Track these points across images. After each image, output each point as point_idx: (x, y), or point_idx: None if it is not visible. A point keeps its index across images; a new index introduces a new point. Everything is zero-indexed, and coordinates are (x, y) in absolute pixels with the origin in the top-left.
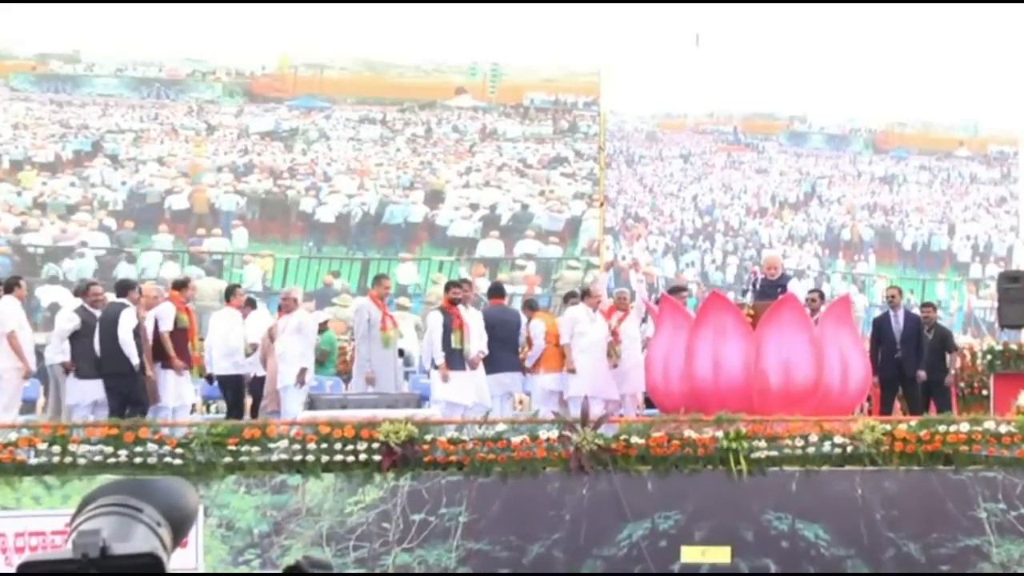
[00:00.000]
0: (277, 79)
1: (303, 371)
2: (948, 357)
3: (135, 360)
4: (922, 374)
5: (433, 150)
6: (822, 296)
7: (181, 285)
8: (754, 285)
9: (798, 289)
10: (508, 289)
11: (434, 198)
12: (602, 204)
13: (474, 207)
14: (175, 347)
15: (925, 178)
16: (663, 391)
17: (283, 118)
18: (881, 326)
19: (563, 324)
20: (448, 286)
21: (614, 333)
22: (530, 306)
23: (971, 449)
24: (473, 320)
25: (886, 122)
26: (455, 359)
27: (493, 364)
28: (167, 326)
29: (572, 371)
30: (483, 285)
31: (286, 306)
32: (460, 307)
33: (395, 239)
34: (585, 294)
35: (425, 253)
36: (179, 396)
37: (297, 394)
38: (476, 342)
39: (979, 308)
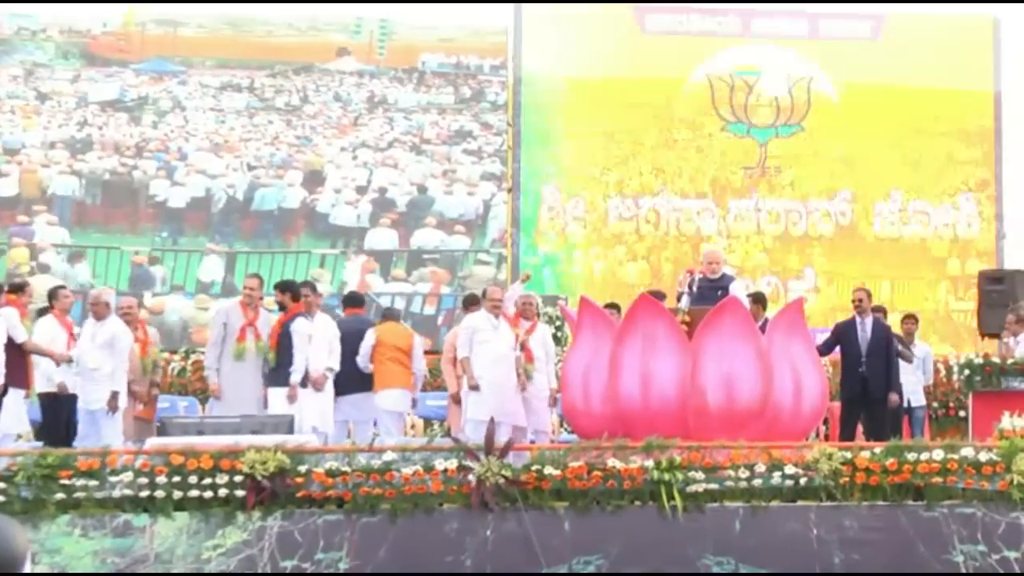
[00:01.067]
0: (121, 38)
1: (115, 395)
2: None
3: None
4: (894, 397)
5: (311, 123)
6: (764, 302)
7: (18, 288)
8: (690, 287)
9: (742, 292)
10: (407, 288)
11: (313, 180)
12: (510, 190)
13: (361, 190)
14: (12, 363)
15: (895, 157)
16: (582, 413)
17: (129, 85)
18: (844, 335)
19: (461, 334)
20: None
21: (524, 348)
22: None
23: (946, 481)
24: (322, 331)
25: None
26: (275, 376)
27: (344, 384)
28: (21, 335)
29: (475, 387)
30: (375, 283)
31: (96, 312)
32: (263, 310)
33: (267, 229)
34: (483, 297)
35: (303, 245)
36: (21, 422)
37: (111, 422)
38: (321, 358)
39: (958, 312)
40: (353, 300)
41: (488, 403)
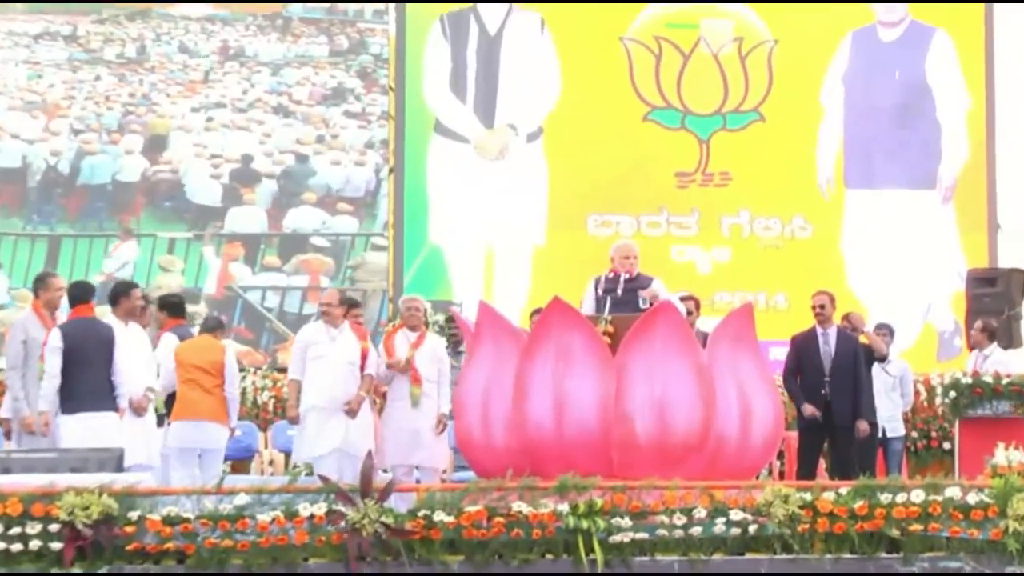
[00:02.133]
0: None
1: None
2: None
3: None
4: (864, 425)
5: (151, 78)
6: (697, 304)
7: None
8: (596, 288)
9: (669, 294)
10: (281, 280)
11: (156, 146)
12: (392, 171)
13: (217, 159)
14: None
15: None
16: (481, 445)
17: None
18: (803, 350)
19: (293, 351)
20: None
21: (409, 366)
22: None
23: (927, 529)
24: (139, 341)
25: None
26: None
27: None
28: None
29: (293, 420)
30: (241, 273)
31: None
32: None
33: (98, 207)
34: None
35: (146, 227)
36: None
37: None
38: (142, 375)
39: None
40: (80, 294)
41: (325, 435)
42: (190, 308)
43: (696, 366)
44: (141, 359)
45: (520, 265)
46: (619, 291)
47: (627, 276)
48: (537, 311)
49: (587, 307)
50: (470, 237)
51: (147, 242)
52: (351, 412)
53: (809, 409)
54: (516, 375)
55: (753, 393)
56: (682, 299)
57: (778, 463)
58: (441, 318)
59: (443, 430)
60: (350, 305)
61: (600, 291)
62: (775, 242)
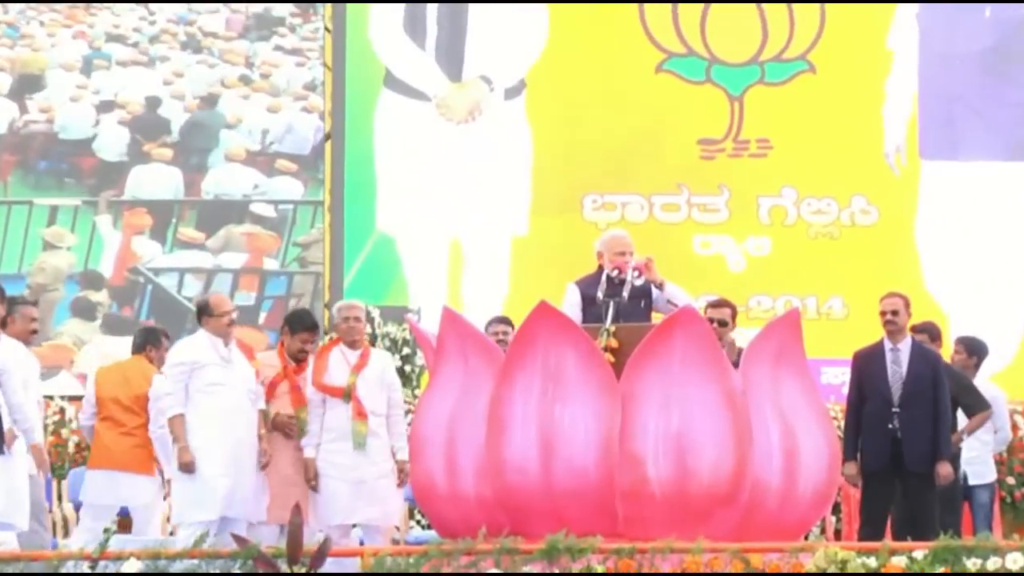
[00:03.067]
0: None
1: None
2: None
3: None
4: (946, 470)
5: (16, 4)
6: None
7: None
8: (596, 291)
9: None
10: (205, 261)
11: (28, 87)
12: (328, 137)
13: (108, 106)
14: None
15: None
16: (446, 495)
17: None
18: (866, 371)
19: (172, 375)
20: None
21: (350, 395)
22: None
23: None
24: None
25: None
26: None
27: None
28: None
29: (187, 467)
30: (148, 251)
31: None
32: None
33: None
34: (206, 308)
35: (17, 191)
36: None
37: None
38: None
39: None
40: None
41: (213, 490)
42: (92, 297)
43: (726, 393)
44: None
45: (495, 260)
46: (625, 295)
47: (636, 276)
48: (500, 321)
49: (572, 316)
50: (430, 223)
51: (20, 212)
52: (263, 459)
53: (849, 468)
54: (491, 404)
55: (801, 428)
56: (713, 306)
57: (833, 519)
58: (393, 329)
59: (405, 481)
60: (307, 329)
61: (600, 294)
62: (829, 230)
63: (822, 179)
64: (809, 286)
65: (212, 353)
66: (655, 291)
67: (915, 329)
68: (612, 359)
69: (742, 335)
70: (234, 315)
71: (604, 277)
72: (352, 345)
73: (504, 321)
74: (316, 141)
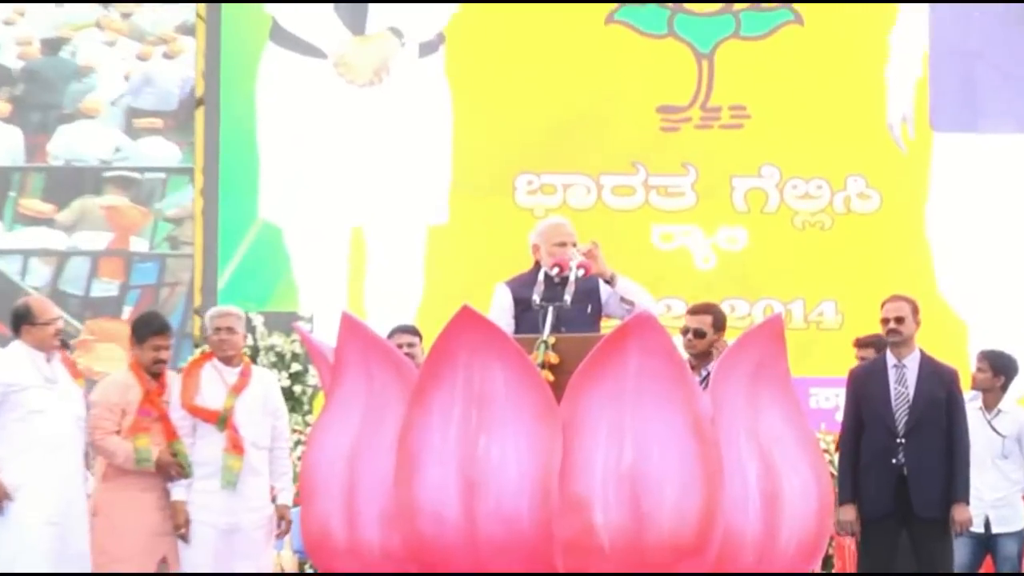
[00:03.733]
0: None
1: None
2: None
3: None
4: (963, 515)
5: None
6: (718, 321)
7: None
8: (532, 293)
9: (640, 296)
10: (57, 240)
11: None
12: (200, 102)
13: None
14: None
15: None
16: (344, 546)
17: None
18: (864, 390)
19: None
20: None
21: (228, 425)
22: None
23: None
24: None
25: None
26: None
27: None
28: None
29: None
30: None
31: None
32: None
33: None
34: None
35: None
36: None
37: None
38: None
39: None
40: None
41: (36, 541)
42: None
43: (692, 420)
44: None
45: (407, 256)
46: (567, 297)
47: (581, 273)
48: (405, 331)
49: (502, 323)
50: (326, 210)
51: None
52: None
53: (846, 514)
54: (401, 433)
55: (784, 463)
56: (691, 312)
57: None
58: (279, 341)
59: (286, 531)
60: (157, 332)
61: (537, 297)
62: (819, 219)
63: (811, 156)
64: (795, 288)
65: (32, 372)
66: (604, 289)
67: (861, 343)
68: (551, 378)
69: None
70: (60, 324)
71: (541, 276)
72: (228, 361)
73: (410, 331)
74: (185, 94)
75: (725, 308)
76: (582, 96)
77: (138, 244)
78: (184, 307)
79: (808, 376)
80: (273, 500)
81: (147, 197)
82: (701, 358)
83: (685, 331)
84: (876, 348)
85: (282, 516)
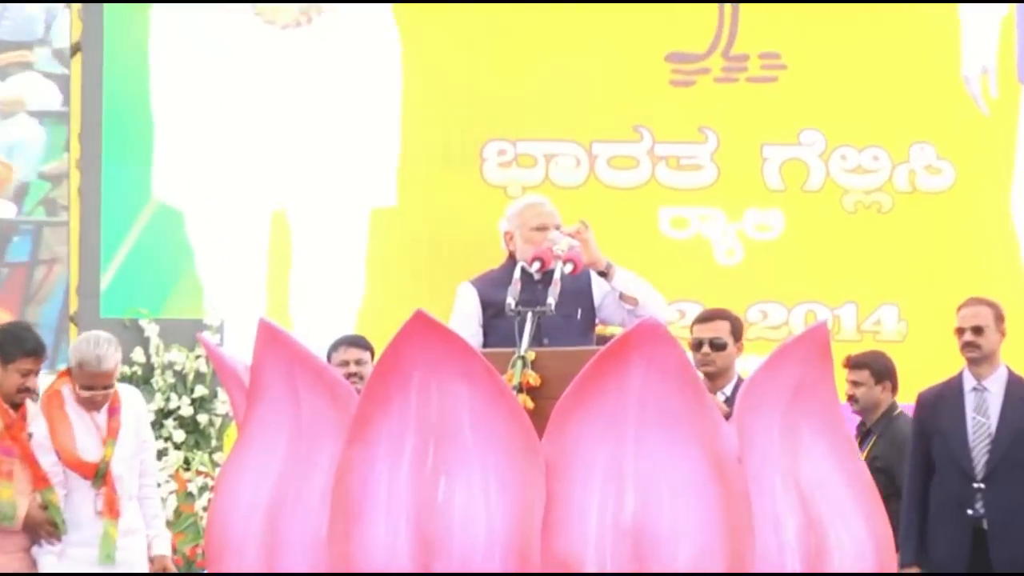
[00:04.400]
0: None
1: None
2: None
3: None
4: None
5: None
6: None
7: None
8: (508, 295)
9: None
10: None
11: None
12: (76, 50)
13: None
14: None
15: None
16: None
17: None
18: (935, 422)
19: None
20: None
21: (105, 482)
22: None
23: None
24: None
25: None
26: None
27: None
28: None
29: None
30: None
31: None
32: None
33: None
34: None
35: None
36: None
37: None
38: None
39: None
40: None
41: None
42: None
43: (712, 458)
44: None
45: (345, 247)
46: (551, 300)
47: (569, 269)
48: (350, 343)
49: (466, 332)
50: (239, 190)
51: None
52: None
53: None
54: (337, 475)
55: (830, 513)
56: (701, 320)
57: None
58: (179, 357)
59: None
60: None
61: (512, 300)
62: (876, 199)
63: (864, 118)
64: (844, 288)
65: None
66: (598, 287)
67: (853, 363)
68: (531, 404)
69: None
70: None
71: (517, 272)
72: (92, 388)
73: (359, 344)
74: (50, 18)
75: (755, 314)
76: (569, 42)
77: (3, 208)
78: (63, 293)
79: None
80: (149, 552)
81: (14, 148)
82: (718, 378)
83: (697, 345)
84: (872, 370)
85: (164, 569)
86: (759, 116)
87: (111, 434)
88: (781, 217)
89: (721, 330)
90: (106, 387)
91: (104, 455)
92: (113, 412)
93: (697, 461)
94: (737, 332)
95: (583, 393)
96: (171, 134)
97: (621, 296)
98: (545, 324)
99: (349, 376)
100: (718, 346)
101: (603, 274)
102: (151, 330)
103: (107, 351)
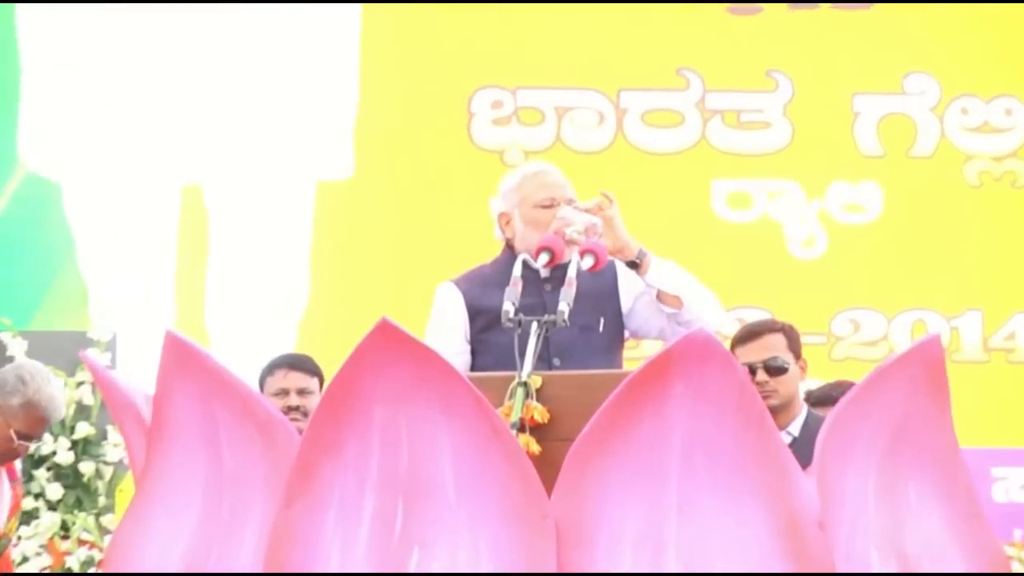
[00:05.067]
0: None
1: None
2: None
3: None
4: None
5: None
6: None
7: None
8: (471, 294)
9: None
10: None
11: None
12: None
13: None
14: None
15: None
16: None
17: None
18: None
19: None
20: None
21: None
22: None
23: None
24: None
25: None
26: None
27: None
28: None
29: None
30: None
31: None
32: None
33: None
34: None
35: None
36: None
37: None
38: None
39: None
40: None
41: None
42: None
43: (785, 521)
44: None
45: (283, 233)
46: (564, 304)
47: (589, 263)
48: (292, 365)
49: (449, 351)
50: (136, 158)
51: None
52: None
53: None
54: (272, 545)
55: None
56: (747, 337)
57: None
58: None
59: None
60: None
61: (512, 305)
62: (1009, 168)
63: (991, 59)
64: (965, 291)
65: None
66: (627, 285)
67: (813, 399)
68: (536, 449)
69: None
70: None
71: (517, 268)
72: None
73: (299, 366)
74: None
75: (843, 326)
76: None
77: None
78: None
79: (992, 447)
80: None
81: None
82: (780, 414)
83: (750, 370)
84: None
85: None
86: (849, 55)
87: (14, 508)
88: (879, 193)
89: (777, 347)
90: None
91: (7, 528)
92: (12, 475)
93: (763, 527)
94: (796, 347)
95: (607, 433)
96: (42, 86)
97: (659, 296)
98: (556, 339)
99: (289, 410)
100: (777, 369)
101: (634, 265)
102: (16, 347)
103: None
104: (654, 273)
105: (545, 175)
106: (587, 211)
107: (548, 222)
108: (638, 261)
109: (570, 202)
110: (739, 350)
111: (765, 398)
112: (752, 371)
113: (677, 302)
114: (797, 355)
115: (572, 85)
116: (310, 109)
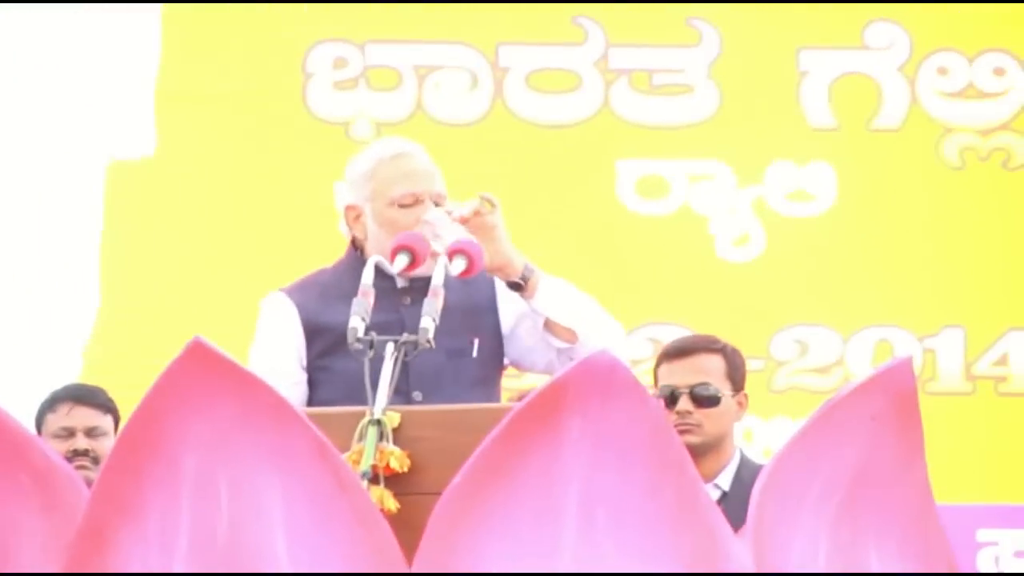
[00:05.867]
0: None
1: None
2: None
3: None
4: None
5: None
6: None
7: None
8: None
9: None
10: None
11: None
12: None
13: None
14: None
15: None
16: None
17: None
18: None
19: None
20: None
21: None
22: None
23: None
24: None
25: None
26: None
27: None
28: None
29: None
30: None
31: None
32: None
33: None
34: None
35: None
36: None
37: None
38: None
39: None
40: None
41: None
42: None
43: None
44: None
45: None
46: (428, 319)
47: (460, 268)
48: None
49: (280, 380)
50: None
51: None
52: None
53: None
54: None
55: None
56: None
57: None
58: None
59: None
60: None
61: (362, 320)
62: (999, 144)
63: (979, 7)
64: (942, 304)
65: None
66: (508, 303)
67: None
68: (393, 505)
69: (757, 435)
70: None
71: (368, 274)
72: None
73: (88, 400)
74: None
75: (786, 346)
76: None
77: None
78: None
79: (977, 503)
80: None
81: None
82: (706, 455)
83: (669, 398)
84: None
85: None
86: None
87: None
88: (832, 177)
89: (711, 371)
90: None
91: None
92: None
93: None
94: (737, 376)
95: (483, 487)
96: None
97: (547, 325)
98: (417, 365)
99: (75, 455)
100: (707, 399)
101: (516, 286)
102: None
103: None
104: (543, 297)
105: (406, 160)
106: (462, 219)
107: (409, 225)
108: (522, 282)
109: (439, 199)
110: (664, 368)
111: (685, 432)
112: (674, 397)
113: (571, 335)
114: (737, 386)
115: (437, 39)
116: (99, 71)
